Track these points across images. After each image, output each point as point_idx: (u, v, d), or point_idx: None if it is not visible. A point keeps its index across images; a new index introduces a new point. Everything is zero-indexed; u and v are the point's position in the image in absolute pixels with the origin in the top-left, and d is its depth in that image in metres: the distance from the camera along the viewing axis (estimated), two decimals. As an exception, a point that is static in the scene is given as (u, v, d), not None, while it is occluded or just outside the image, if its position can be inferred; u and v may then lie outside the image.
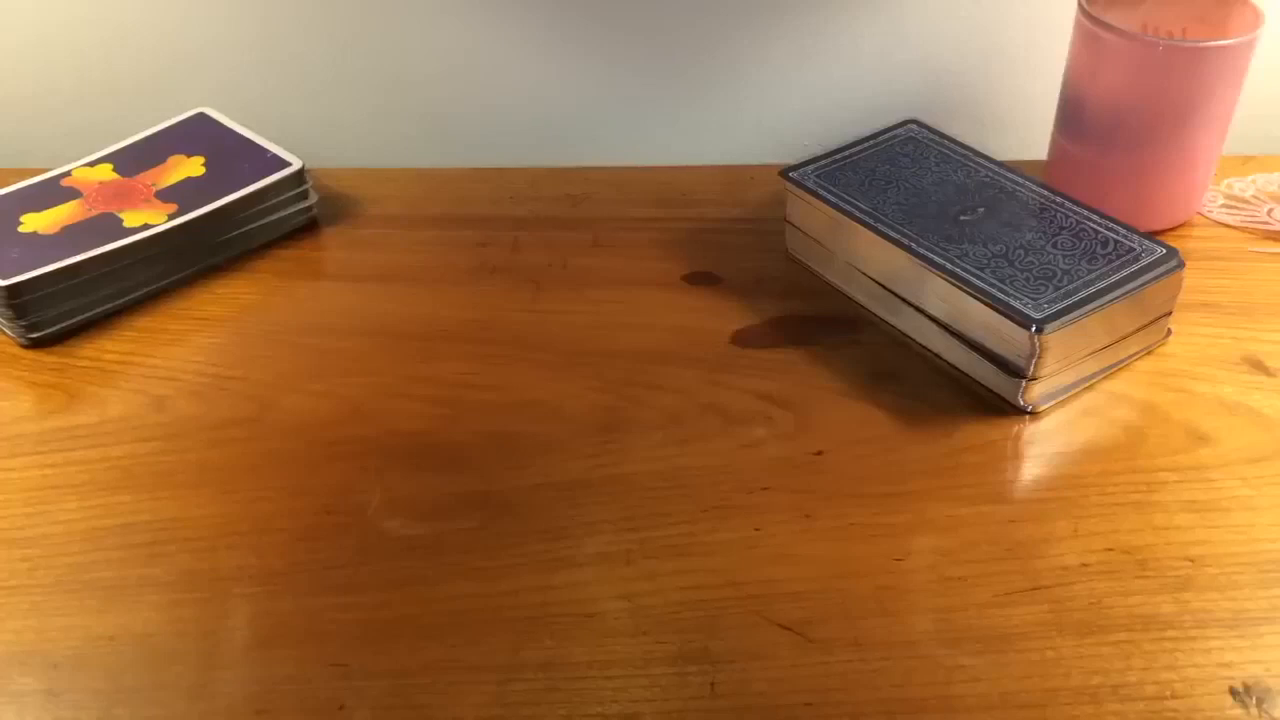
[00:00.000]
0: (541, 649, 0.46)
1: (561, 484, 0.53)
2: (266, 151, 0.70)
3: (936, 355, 0.60)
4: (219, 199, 0.67)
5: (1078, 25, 0.66)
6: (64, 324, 0.63)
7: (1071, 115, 0.68)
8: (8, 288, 0.60)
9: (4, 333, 0.63)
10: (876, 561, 0.49)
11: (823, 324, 0.63)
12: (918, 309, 0.61)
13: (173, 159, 0.71)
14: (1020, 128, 0.80)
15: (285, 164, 0.69)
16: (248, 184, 0.68)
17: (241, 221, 0.68)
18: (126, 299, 0.65)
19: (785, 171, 0.66)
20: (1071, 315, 0.55)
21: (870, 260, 0.63)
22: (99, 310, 0.64)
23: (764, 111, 0.80)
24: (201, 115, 0.74)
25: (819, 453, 0.55)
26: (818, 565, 0.49)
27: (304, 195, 0.70)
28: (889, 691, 0.44)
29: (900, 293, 0.61)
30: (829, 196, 0.64)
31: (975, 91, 0.79)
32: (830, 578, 0.49)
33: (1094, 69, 0.65)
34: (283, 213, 0.70)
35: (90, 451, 0.55)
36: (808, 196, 0.65)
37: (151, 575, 0.49)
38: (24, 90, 0.79)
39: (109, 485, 0.54)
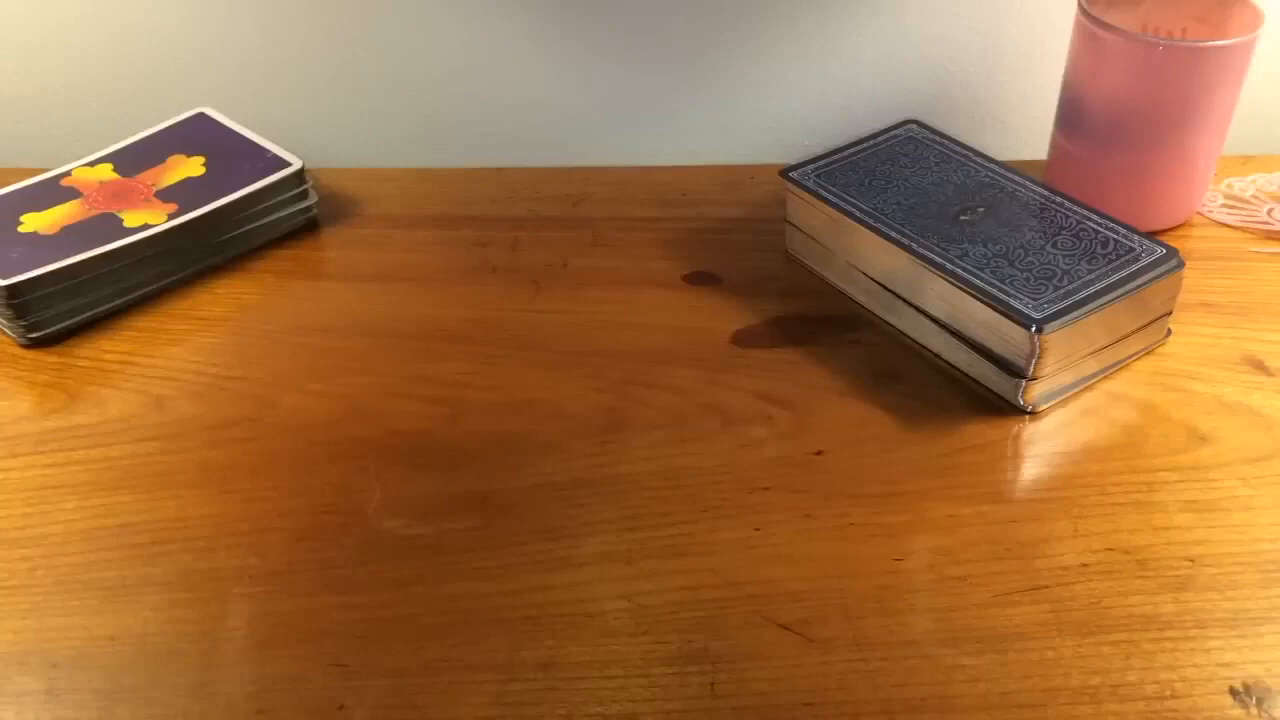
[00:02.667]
0: (541, 649, 0.46)
1: (561, 484, 0.53)
2: (266, 151, 0.70)
3: (936, 355, 0.60)
4: (219, 199, 0.67)
5: (1077, 25, 0.66)
6: (64, 324, 0.63)
7: (1071, 115, 0.68)
8: (8, 288, 0.60)
9: (4, 333, 0.63)
10: (876, 561, 0.49)
11: (823, 324, 0.63)
12: (918, 309, 0.61)
13: (173, 159, 0.71)
14: (1020, 128, 0.80)
15: (285, 164, 0.69)
16: (248, 184, 0.68)
17: (241, 221, 0.68)
18: (126, 299, 0.65)
19: (785, 171, 0.66)
20: (1071, 315, 0.55)
21: (870, 260, 0.63)
22: (99, 310, 0.64)
23: (764, 111, 0.80)
24: (201, 115, 0.74)
25: (819, 452, 0.55)
26: (817, 565, 0.49)
27: (304, 195, 0.70)
28: (889, 691, 0.44)
29: (900, 292, 0.61)
30: (829, 196, 0.64)
31: (975, 91, 0.79)
32: (830, 578, 0.49)
33: (1094, 69, 0.65)
34: (283, 213, 0.70)
35: (90, 451, 0.55)
36: (808, 196, 0.65)
37: (151, 575, 0.49)
38: (24, 90, 0.79)
39: (109, 485, 0.54)
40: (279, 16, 0.77)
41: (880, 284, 0.62)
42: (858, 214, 0.62)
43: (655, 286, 0.66)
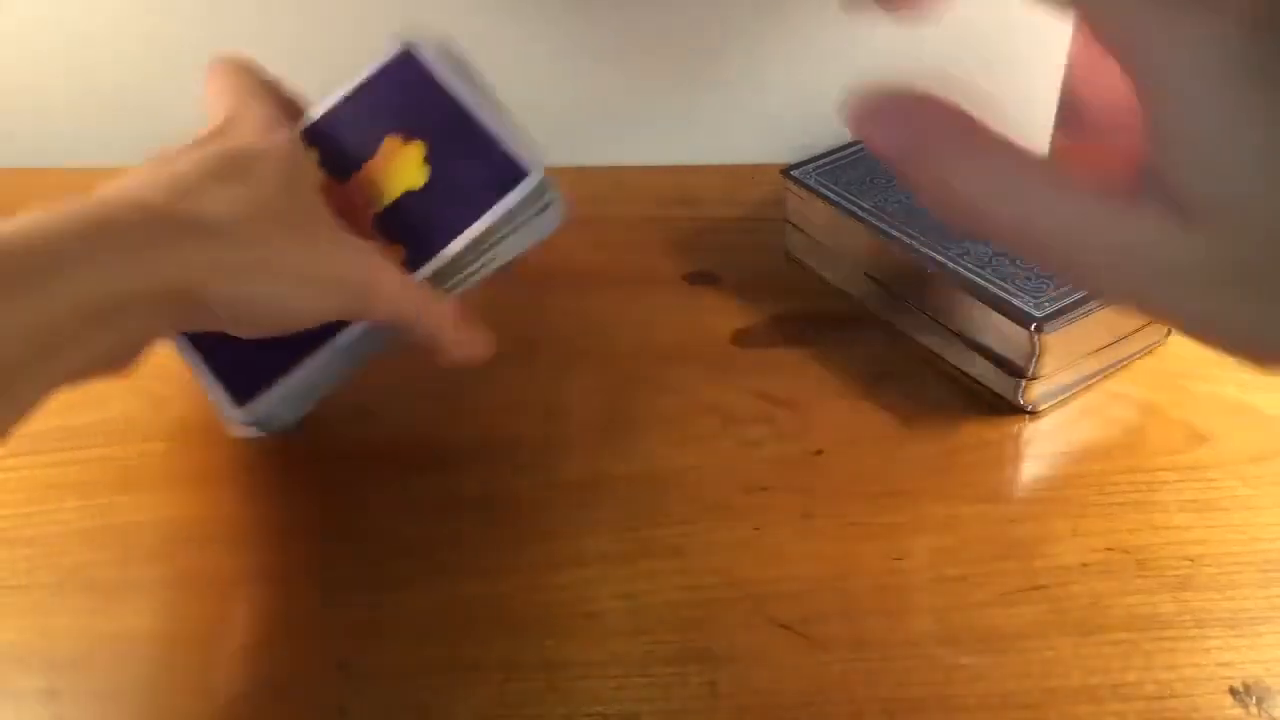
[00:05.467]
0: (541, 649, 0.46)
1: (561, 484, 0.53)
2: (266, 151, 0.70)
3: (937, 355, 0.60)
4: (219, 199, 0.66)
5: (1078, 24, 0.66)
6: (64, 324, 0.62)
7: (1071, 115, 0.68)
8: (8, 288, 0.60)
9: (4, 333, 0.63)
10: (876, 561, 0.49)
11: (823, 324, 0.63)
12: (918, 308, 0.61)
13: (173, 159, 0.71)
14: (1020, 128, 0.80)
15: (285, 164, 0.69)
16: (248, 184, 0.67)
17: (241, 221, 0.68)
18: (127, 299, 0.65)
19: (786, 170, 0.66)
20: (1072, 314, 0.54)
21: (871, 259, 0.63)
22: (99, 310, 0.64)
23: (764, 111, 0.80)
24: (202, 115, 0.74)
25: (819, 452, 0.55)
26: (817, 565, 0.49)
27: (304, 195, 0.70)
28: (889, 691, 0.44)
29: (900, 292, 0.61)
30: (830, 195, 0.64)
31: (975, 91, 0.79)
32: (830, 577, 0.49)
33: (1094, 68, 0.65)
34: (283, 212, 0.70)
35: (90, 451, 0.55)
36: (809, 195, 0.65)
37: (151, 575, 0.49)
38: (24, 88, 0.79)
39: (109, 485, 0.54)
40: (280, 15, 0.76)
41: (881, 283, 0.62)
42: (859, 212, 0.62)
43: (655, 286, 0.66)
